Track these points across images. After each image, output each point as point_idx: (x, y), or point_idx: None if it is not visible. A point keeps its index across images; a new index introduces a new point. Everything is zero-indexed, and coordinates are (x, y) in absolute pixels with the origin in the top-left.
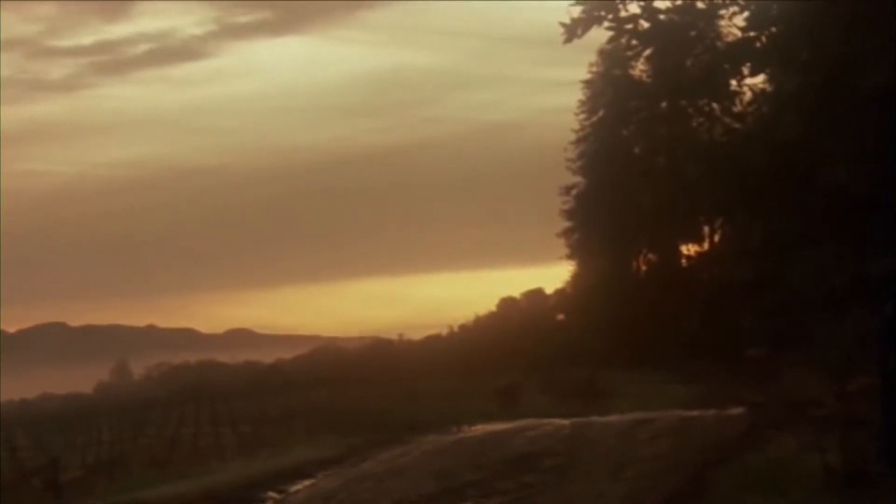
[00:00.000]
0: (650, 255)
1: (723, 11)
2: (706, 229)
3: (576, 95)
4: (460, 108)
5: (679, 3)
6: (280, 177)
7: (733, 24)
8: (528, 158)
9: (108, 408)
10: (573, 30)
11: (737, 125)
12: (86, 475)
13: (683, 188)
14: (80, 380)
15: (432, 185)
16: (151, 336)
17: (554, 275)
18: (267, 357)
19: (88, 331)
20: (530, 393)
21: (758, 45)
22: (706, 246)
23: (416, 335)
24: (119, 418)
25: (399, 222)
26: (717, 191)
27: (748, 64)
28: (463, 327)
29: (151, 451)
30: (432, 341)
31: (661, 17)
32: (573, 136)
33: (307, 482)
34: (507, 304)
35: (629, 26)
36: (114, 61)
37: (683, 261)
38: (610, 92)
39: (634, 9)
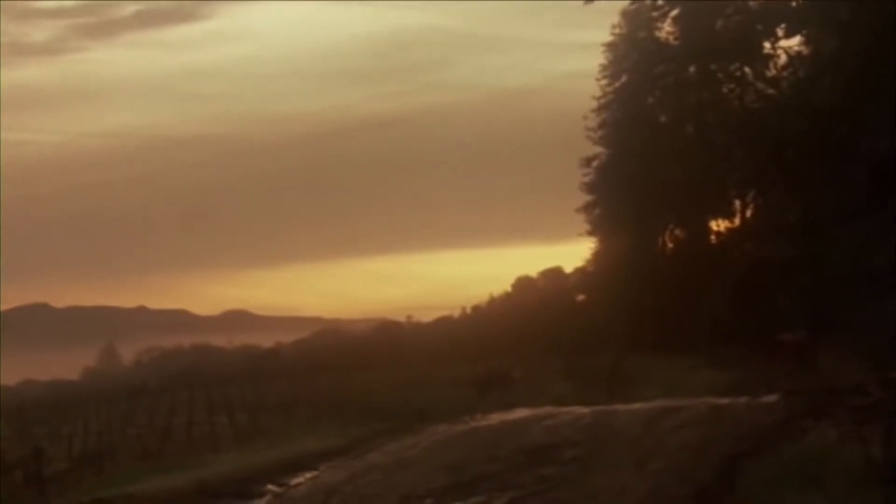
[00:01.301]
0: (677, 232)
1: None
2: (738, 203)
3: (597, 59)
4: (472, 72)
5: None
6: (279, 147)
7: None
8: (546, 127)
9: (96, 395)
10: None
11: (771, 91)
12: (71, 468)
13: (713, 159)
14: (65, 365)
15: (442, 156)
16: (141, 318)
17: (574, 252)
18: (265, 340)
19: (74, 312)
20: (549, 379)
21: (794, 4)
22: (738, 221)
23: (426, 317)
24: (107, 406)
25: (407, 196)
26: (749, 162)
27: (783, 25)
28: (476, 309)
29: (142, 442)
30: (443, 324)
31: None
32: (594, 104)
33: (309, 475)
34: (523, 283)
35: None
36: (100, 23)
37: (713, 237)
38: (634, 56)
39: None
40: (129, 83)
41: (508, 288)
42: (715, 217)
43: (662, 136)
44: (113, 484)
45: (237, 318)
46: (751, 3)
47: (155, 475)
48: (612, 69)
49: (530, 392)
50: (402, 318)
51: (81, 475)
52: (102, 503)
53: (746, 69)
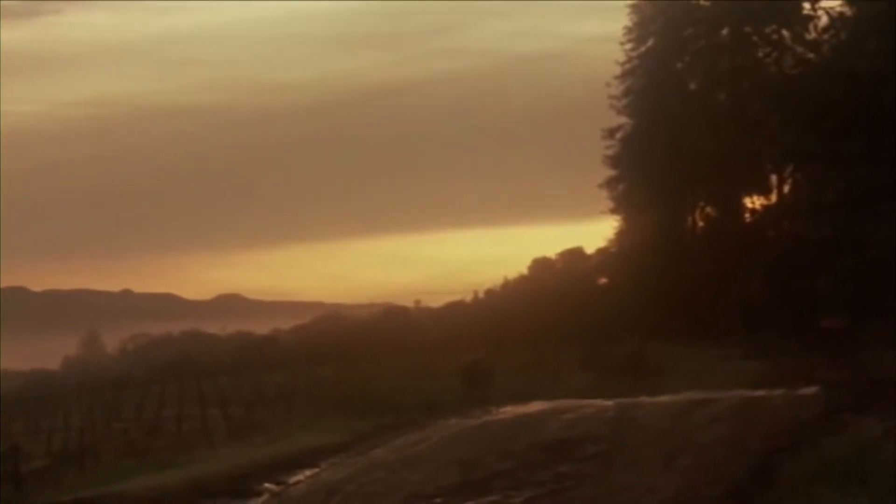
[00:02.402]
0: (708, 209)
1: None
2: (774, 178)
3: (622, 21)
4: (486, 37)
5: None
6: (277, 118)
7: None
8: (566, 96)
9: (77, 386)
10: None
11: (810, 55)
12: (51, 465)
13: (747, 130)
14: (44, 354)
15: (454, 128)
16: (127, 303)
17: (596, 232)
18: (261, 327)
19: (53, 296)
20: (568, 369)
21: None
22: (774, 198)
23: (435, 302)
24: (89, 399)
25: (415, 171)
26: (787, 133)
27: None
28: (489, 293)
29: (127, 437)
30: (454, 309)
31: None
32: (618, 70)
33: (309, 472)
34: (540, 265)
35: None
36: None
37: (747, 215)
38: (662, 18)
39: None
40: (114, 48)
41: (524, 270)
42: (749, 193)
43: (692, 105)
44: (96, 483)
45: (230, 303)
46: None
47: (142, 473)
48: (638, 32)
49: (548, 383)
50: (409, 304)
51: (62, 473)
52: (85, 503)
53: (784, 32)
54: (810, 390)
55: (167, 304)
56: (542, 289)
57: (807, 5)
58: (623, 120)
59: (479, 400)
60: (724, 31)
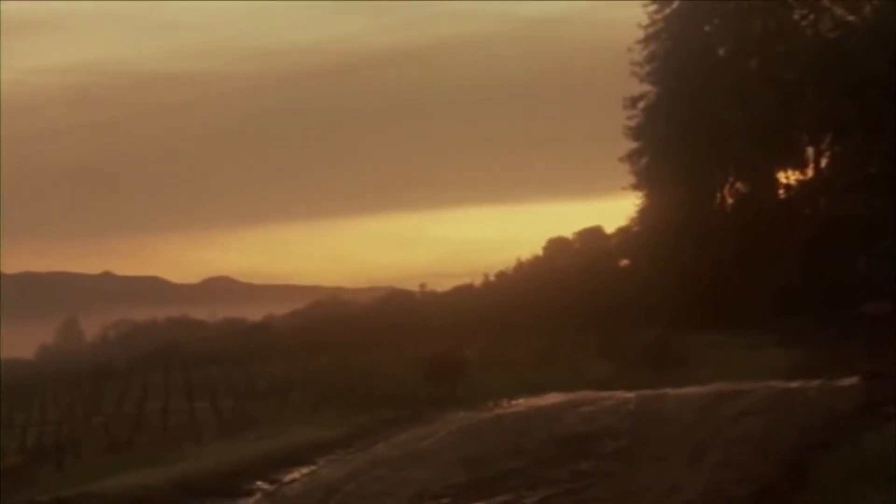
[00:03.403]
0: (738, 185)
1: None
2: (810, 151)
3: None
4: None
5: None
6: (270, 87)
7: None
8: (584, 62)
9: (54, 377)
10: None
11: (850, 17)
12: (27, 462)
13: (781, 99)
14: (19, 342)
15: (462, 96)
16: (107, 287)
17: (616, 209)
18: (253, 313)
19: (27, 280)
20: (586, 358)
21: None
22: (810, 173)
23: (442, 286)
24: (67, 390)
25: (420, 144)
26: (824, 102)
27: None
28: (501, 276)
29: (109, 432)
30: (462, 293)
31: None
32: (641, 34)
33: (305, 470)
34: (556, 246)
35: None
36: None
37: (781, 191)
38: None
39: None
40: (92, 11)
41: (539, 251)
42: (783, 167)
43: (721, 72)
44: (75, 481)
45: (220, 287)
46: None
47: (124, 471)
48: None
49: (564, 374)
50: (414, 287)
51: (38, 471)
52: (63, 502)
53: None
54: (849, 381)
55: (151, 287)
56: (557, 271)
57: None
58: (646, 88)
59: (438, 400)
60: None
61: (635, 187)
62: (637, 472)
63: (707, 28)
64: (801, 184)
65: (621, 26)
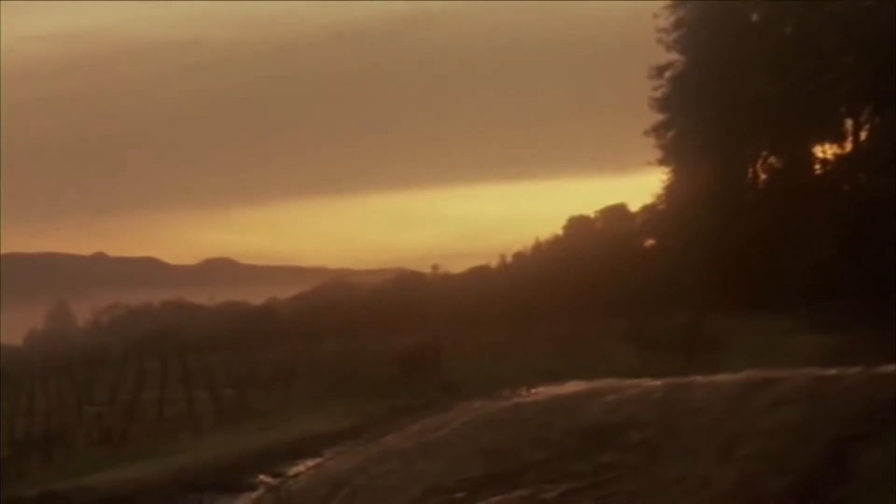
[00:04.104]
0: (772, 160)
1: None
2: (849, 124)
3: None
4: None
5: None
6: (270, 56)
7: None
8: (606, 28)
9: (43, 364)
10: None
11: None
12: (14, 454)
13: (818, 68)
14: (6, 327)
15: (476, 65)
16: (100, 268)
17: (641, 186)
18: (255, 296)
19: (16, 262)
20: (610, 345)
21: None
22: (848, 146)
23: (456, 267)
24: (58, 378)
25: (431, 115)
26: (864, 71)
27: None
28: (518, 256)
29: (102, 423)
30: (477, 275)
31: None
32: None
33: (311, 462)
34: (577, 224)
35: None
36: None
37: (817, 166)
38: None
39: None
40: None
41: (559, 230)
42: (819, 141)
43: (754, 39)
44: (66, 474)
45: (220, 269)
46: None
47: (118, 464)
48: None
49: (587, 361)
50: (425, 269)
51: (26, 464)
52: (53, 498)
53: None
54: (890, 369)
55: (147, 269)
56: (579, 252)
57: None
58: (673, 56)
59: (420, 391)
60: None
61: (661, 162)
62: (664, 465)
63: None
64: (839, 158)
65: None
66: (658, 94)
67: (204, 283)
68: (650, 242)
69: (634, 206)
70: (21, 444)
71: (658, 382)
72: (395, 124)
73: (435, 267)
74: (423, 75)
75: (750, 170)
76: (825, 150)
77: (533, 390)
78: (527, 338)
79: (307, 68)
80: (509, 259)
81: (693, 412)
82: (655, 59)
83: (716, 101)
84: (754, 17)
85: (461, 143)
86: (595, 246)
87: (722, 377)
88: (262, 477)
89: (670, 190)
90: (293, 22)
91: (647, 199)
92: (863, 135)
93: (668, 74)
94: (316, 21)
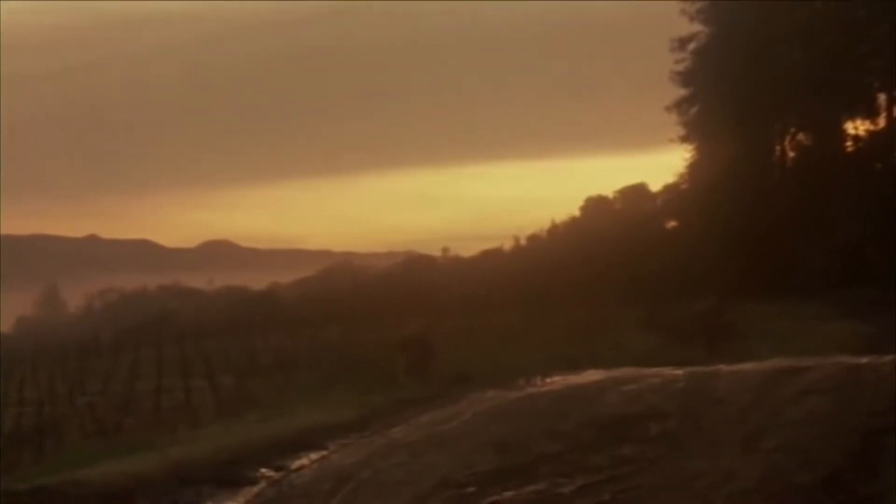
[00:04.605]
0: (800, 137)
1: None
2: (882, 98)
3: None
4: None
5: None
6: (273, 28)
7: None
8: None
9: (33, 352)
10: None
11: None
12: (4, 447)
13: (851, 40)
14: None
15: (489, 39)
16: (92, 251)
17: (662, 164)
18: (256, 281)
19: (3, 244)
20: (629, 331)
21: None
22: (882, 122)
23: (467, 250)
24: (49, 367)
25: (443, 91)
26: None
27: None
28: (533, 239)
29: (95, 414)
30: (490, 258)
31: None
32: None
33: (314, 455)
34: (595, 205)
35: None
36: None
37: (849, 144)
38: None
39: None
40: None
41: (576, 211)
42: (851, 116)
43: (782, 9)
44: (57, 468)
45: (218, 252)
46: None
47: (112, 456)
48: None
49: (605, 348)
50: (435, 252)
51: (17, 457)
52: (44, 493)
53: None
54: None
55: (142, 252)
56: (596, 234)
57: None
58: (697, 28)
59: (421, 381)
60: None
61: (684, 139)
62: (686, 457)
63: None
64: (872, 135)
65: None
66: (680, 67)
67: (202, 266)
68: (672, 224)
69: (655, 186)
70: (10, 436)
71: (680, 371)
72: (403, 99)
73: (445, 250)
74: (436, 51)
75: (777, 147)
76: (857, 127)
77: (548, 379)
78: (541, 324)
79: (311, 41)
80: (523, 242)
81: (716, 402)
82: (678, 30)
83: (742, 75)
84: None
85: (473, 120)
86: (614, 227)
87: (747, 366)
88: (263, 470)
89: (693, 168)
90: None
91: (669, 179)
92: None
93: (691, 47)
94: None
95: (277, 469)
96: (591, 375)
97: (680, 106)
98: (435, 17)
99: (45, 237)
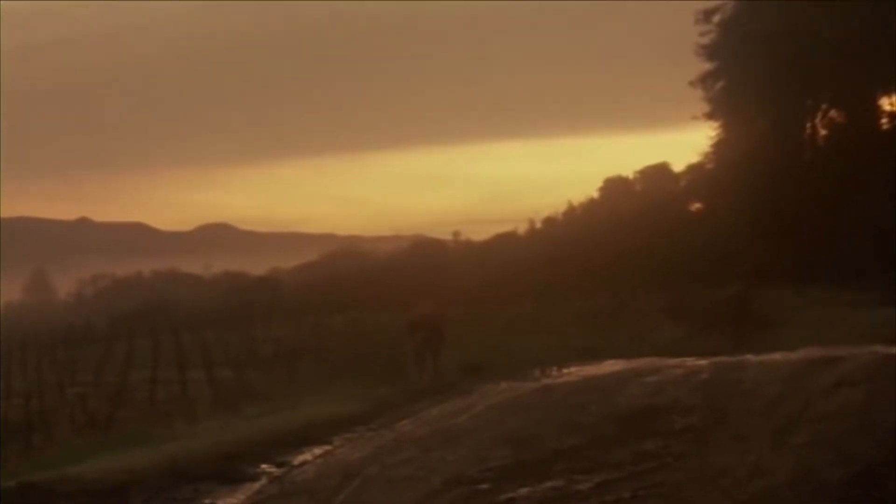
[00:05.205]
0: (833, 113)
1: None
2: None
3: None
4: None
5: None
6: None
7: None
8: None
9: (21, 341)
10: None
11: None
12: None
13: (886, 9)
14: None
15: (501, 8)
16: (83, 235)
17: (686, 143)
18: (256, 266)
19: None
20: (651, 320)
21: None
22: None
23: (480, 234)
24: (37, 357)
25: (453, 65)
26: None
27: None
28: (549, 221)
29: (86, 406)
30: (503, 242)
31: None
32: None
33: (318, 450)
34: (615, 186)
35: None
36: None
37: (884, 120)
38: None
39: None
40: None
41: (594, 193)
42: (886, 92)
43: None
44: (47, 463)
45: (216, 235)
46: None
47: (104, 451)
48: None
49: (625, 338)
50: (446, 236)
51: (4, 451)
52: (33, 489)
53: None
54: None
55: (135, 236)
56: (616, 216)
57: None
58: None
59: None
60: None
61: (709, 116)
62: (712, 453)
63: None
64: None
65: None
66: (705, 40)
67: (199, 251)
68: (696, 206)
69: (678, 166)
70: None
71: (705, 362)
72: (411, 74)
73: (456, 233)
74: (445, 22)
75: (808, 124)
76: (893, 103)
77: (565, 370)
78: (557, 312)
79: (313, 12)
80: (539, 224)
81: (744, 395)
82: (702, 1)
83: (770, 48)
84: None
85: (485, 95)
86: (634, 210)
87: (776, 356)
88: (264, 466)
89: (719, 147)
90: None
91: (693, 158)
92: None
93: (716, 18)
94: None
95: (279, 465)
96: (611, 366)
97: (705, 81)
98: None
99: (33, 219)
